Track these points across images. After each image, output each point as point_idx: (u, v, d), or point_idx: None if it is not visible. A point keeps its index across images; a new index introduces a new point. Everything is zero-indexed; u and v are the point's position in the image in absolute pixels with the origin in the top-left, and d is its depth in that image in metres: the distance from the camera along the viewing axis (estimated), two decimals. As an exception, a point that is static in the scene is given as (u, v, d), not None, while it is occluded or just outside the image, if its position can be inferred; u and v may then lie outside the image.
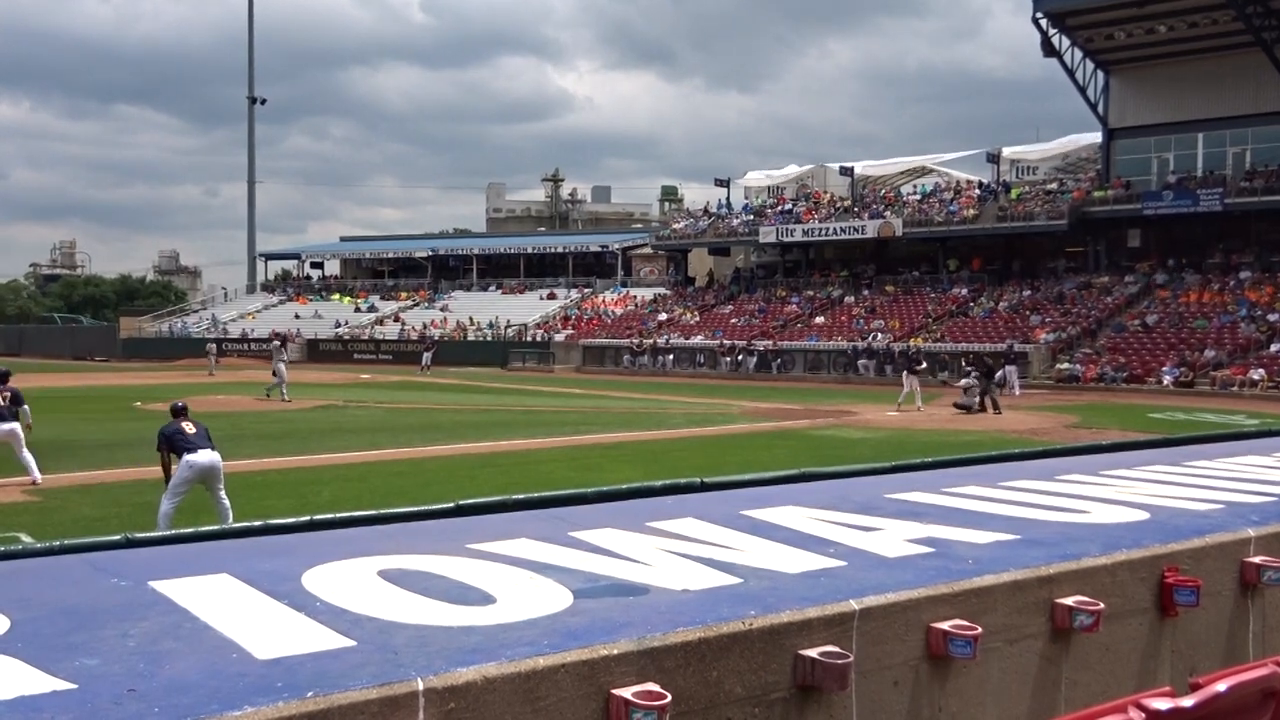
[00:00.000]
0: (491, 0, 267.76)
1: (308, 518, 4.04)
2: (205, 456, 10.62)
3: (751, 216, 59.58)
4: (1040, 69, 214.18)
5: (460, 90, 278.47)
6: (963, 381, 29.20)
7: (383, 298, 70.19)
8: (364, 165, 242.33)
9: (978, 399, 27.69)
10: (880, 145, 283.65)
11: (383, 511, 4.19)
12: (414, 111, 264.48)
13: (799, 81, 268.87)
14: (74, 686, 2.22)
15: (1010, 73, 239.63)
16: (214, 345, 48.48)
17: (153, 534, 4.03)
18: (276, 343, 38.16)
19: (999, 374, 31.22)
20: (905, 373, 30.20)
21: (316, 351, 60.89)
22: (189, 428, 10.73)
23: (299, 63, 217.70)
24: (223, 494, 10.85)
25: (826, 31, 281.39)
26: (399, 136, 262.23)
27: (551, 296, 64.60)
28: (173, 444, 10.64)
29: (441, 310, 64.54)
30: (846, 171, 58.63)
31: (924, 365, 32.00)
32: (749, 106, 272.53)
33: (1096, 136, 50.86)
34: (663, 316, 56.05)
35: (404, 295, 69.88)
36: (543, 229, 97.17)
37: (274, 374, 31.58)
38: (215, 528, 4.30)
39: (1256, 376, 34.89)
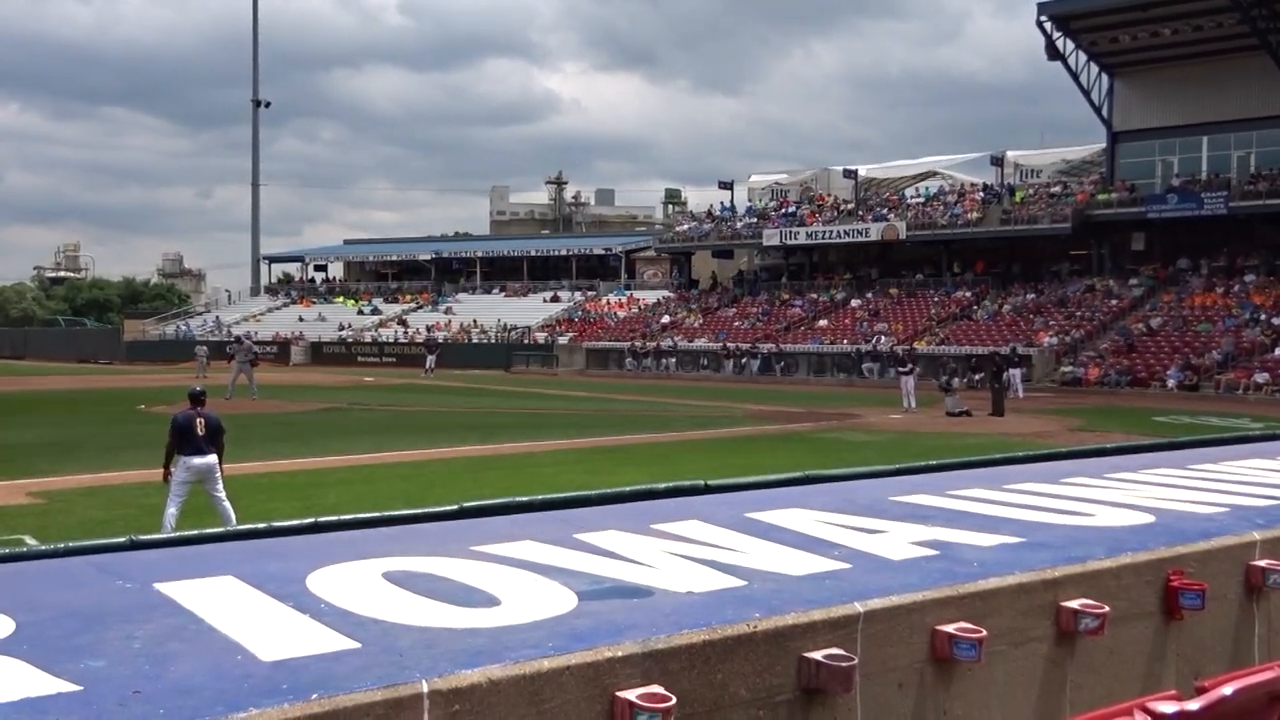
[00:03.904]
0: (473, 4, 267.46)
1: (312, 520, 4.04)
2: (202, 459, 10.68)
3: (755, 219, 59.60)
4: (1025, 72, 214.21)
5: (446, 93, 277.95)
6: (954, 382, 29.14)
7: (386, 300, 70.27)
8: (355, 168, 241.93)
9: (960, 401, 27.73)
10: (872, 149, 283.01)
11: (387, 514, 4.18)
12: (403, 114, 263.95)
13: (785, 84, 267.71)
14: (79, 688, 2.22)
15: (994, 76, 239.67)
16: (204, 348, 47.95)
17: (158, 536, 4.03)
18: (234, 343, 38.08)
19: (1005, 375, 31.18)
20: (900, 375, 30.21)
21: (320, 354, 60.98)
22: (200, 424, 10.76)
23: (284, 65, 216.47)
24: (221, 494, 10.86)
25: (808, 34, 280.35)
26: (389, 139, 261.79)
27: (555, 299, 64.63)
28: (180, 439, 10.69)
29: (445, 313, 64.59)
30: (850, 174, 58.64)
31: (913, 367, 31.79)
32: (737, 109, 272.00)
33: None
34: (666, 319, 56.05)
35: (407, 298, 69.95)
36: (546, 231, 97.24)
37: (244, 377, 31.60)
38: (220, 530, 4.30)
39: (1261, 380, 34.84)
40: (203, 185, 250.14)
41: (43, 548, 3.65)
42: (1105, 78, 48.56)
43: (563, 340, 56.28)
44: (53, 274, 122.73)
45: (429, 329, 61.26)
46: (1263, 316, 39.88)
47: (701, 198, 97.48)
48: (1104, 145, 50.46)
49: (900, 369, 30.50)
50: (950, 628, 3.04)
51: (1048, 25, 45.82)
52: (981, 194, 53.26)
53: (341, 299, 72.04)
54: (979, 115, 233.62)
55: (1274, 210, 42.70)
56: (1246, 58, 42.97)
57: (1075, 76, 47.55)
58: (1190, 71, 45.80)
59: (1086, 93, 48.10)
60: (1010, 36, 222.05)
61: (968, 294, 50.11)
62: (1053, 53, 46.52)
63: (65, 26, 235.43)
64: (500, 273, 72.25)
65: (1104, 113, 48.87)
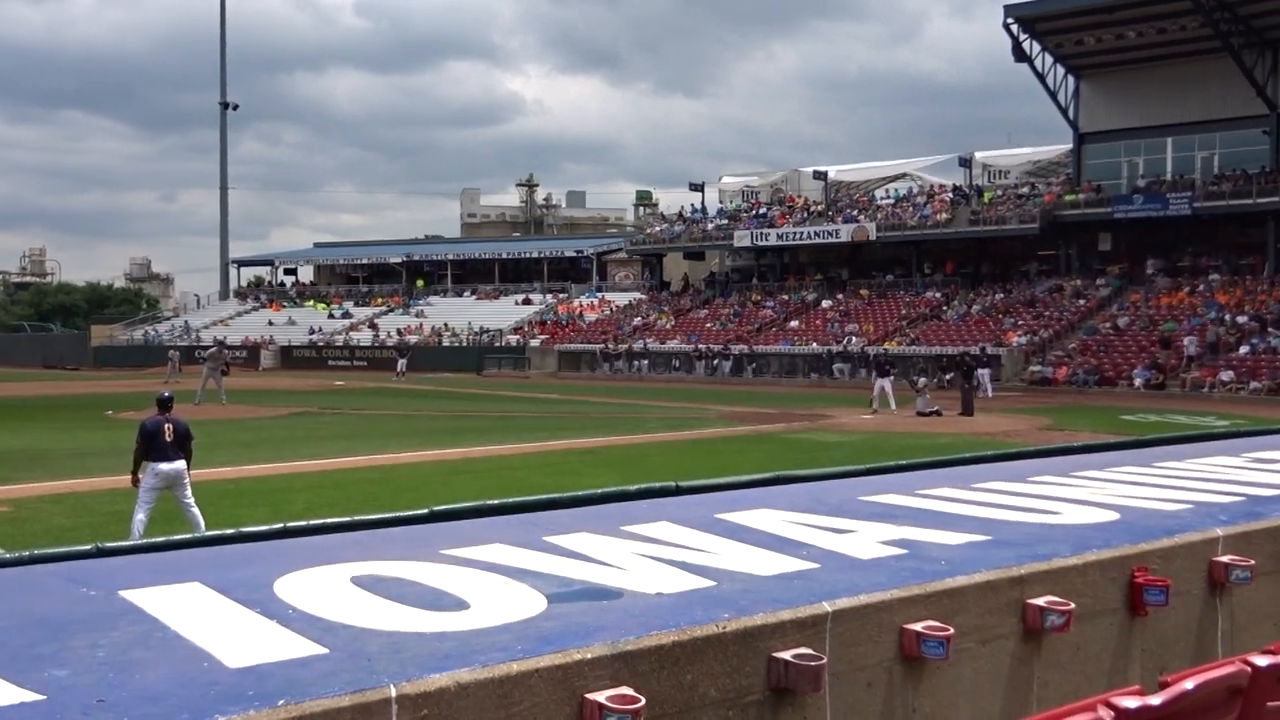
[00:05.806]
0: (431, 6, 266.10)
1: (280, 525, 4.01)
2: (170, 465, 10.61)
3: (726, 221, 59.71)
4: (984, 73, 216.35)
5: (408, 95, 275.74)
6: (921, 381, 29.32)
7: (357, 304, 69.89)
8: (320, 170, 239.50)
9: (930, 400, 27.92)
10: (834, 149, 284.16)
11: (356, 518, 4.16)
12: (366, 116, 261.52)
13: (747, 86, 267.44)
14: (42, 697, 2.20)
15: (953, 77, 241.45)
16: (176, 352, 47.39)
17: (124, 543, 3.99)
18: (214, 349, 37.94)
19: (975, 375, 31.38)
20: (876, 377, 30.32)
21: (290, 358, 60.57)
22: (168, 430, 10.69)
23: (244, 67, 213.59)
24: (189, 500, 10.79)
25: (768, 35, 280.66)
26: (352, 142, 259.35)
27: (527, 302, 64.49)
28: (148, 445, 10.62)
29: (416, 316, 64.33)
30: (820, 176, 58.87)
31: (895, 368, 32.01)
32: (699, 110, 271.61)
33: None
34: (638, 321, 56.06)
35: (378, 301, 69.61)
36: (517, 234, 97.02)
37: (213, 382, 31.38)
38: (187, 536, 4.26)
39: (1226, 378, 35.25)
40: (165, 189, 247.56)
41: (7, 556, 3.61)
42: (1071, 79, 49.00)
43: (535, 343, 56.18)
44: (18, 279, 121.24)
45: (400, 332, 60.99)
46: (1227, 316, 40.35)
47: (669, 199, 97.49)
48: (1070, 146, 50.93)
49: (891, 370, 30.46)
50: (918, 626, 3.06)
51: (1014, 27, 46.17)
52: (950, 195, 53.61)
53: (312, 303, 71.55)
54: (940, 116, 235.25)
55: (1237, 211, 43.24)
56: (1210, 60, 43.49)
57: (1041, 78, 47.94)
58: (1155, 73, 46.31)
59: (1053, 94, 48.52)
60: (968, 38, 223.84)
61: (937, 294, 50.42)
62: (1019, 54, 46.88)
63: (16, 28, 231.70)
64: (472, 275, 72.02)
65: (1070, 114, 49.31)
